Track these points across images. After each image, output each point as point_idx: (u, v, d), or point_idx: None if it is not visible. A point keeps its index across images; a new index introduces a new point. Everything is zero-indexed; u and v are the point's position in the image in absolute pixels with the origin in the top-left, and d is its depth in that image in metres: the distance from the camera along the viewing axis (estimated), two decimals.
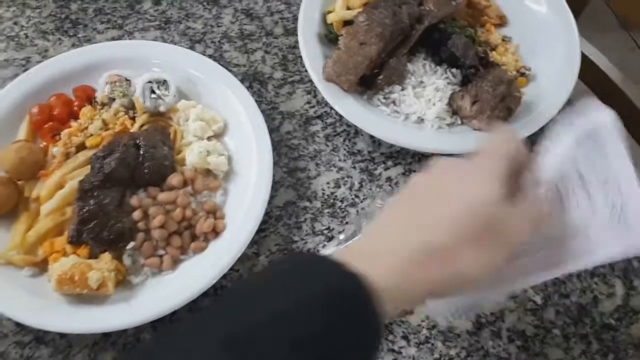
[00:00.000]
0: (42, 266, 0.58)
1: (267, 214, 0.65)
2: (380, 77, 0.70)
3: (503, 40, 0.76)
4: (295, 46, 0.78)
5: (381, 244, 0.39)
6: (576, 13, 0.76)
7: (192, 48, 0.77)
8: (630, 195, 0.41)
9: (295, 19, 0.80)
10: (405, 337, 0.59)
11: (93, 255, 0.57)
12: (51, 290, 0.55)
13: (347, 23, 0.73)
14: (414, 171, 0.70)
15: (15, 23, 0.79)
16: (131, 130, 0.65)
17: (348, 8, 0.75)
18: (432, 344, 0.59)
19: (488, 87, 0.66)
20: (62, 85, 0.69)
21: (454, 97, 0.69)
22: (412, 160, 0.70)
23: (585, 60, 0.75)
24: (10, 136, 0.65)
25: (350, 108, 0.68)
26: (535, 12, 0.78)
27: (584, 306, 0.62)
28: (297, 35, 0.74)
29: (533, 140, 0.70)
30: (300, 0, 0.76)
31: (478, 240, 0.38)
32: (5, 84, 0.70)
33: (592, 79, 0.85)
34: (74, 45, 0.77)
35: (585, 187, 0.43)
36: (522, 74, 0.73)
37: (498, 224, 0.39)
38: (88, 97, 0.68)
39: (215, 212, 0.62)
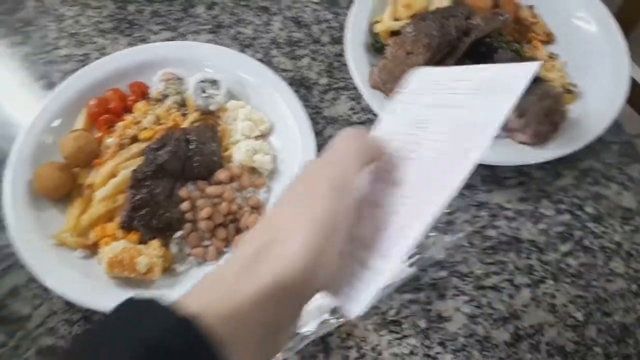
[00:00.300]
0: (93, 249, 0.60)
1: None
2: None
3: (549, 57, 0.77)
4: (340, 54, 0.79)
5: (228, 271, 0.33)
6: (626, 34, 0.76)
7: (242, 52, 0.79)
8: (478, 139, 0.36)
9: (341, 28, 0.82)
10: (441, 344, 0.60)
11: (142, 241, 0.59)
12: (101, 273, 0.57)
13: (394, 34, 0.75)
14: None
15: (77, 21, 0.83)
16: (182, 126, 0.67)
17: (395, 19, 0.77)
18: (469, 352, 0.59)
19: (534, 101, 0.66)
20: (118, 81, 0.71)
21: None
22: None
23: (633, 82, 0.75)
24: (69, 126, 0.68)
25: None
26: (583, 31, 0.78)
27: (628, 326, 0.62)
28: (343, 43, 0.75)
29: (578, 157, 0.71)
30: (347, 10, 0.78)
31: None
32: (65, 77, 0.73)
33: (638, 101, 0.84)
34: (129, 44, 0.80)
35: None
36: (569, 91, 0.73)
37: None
38: (142, 93, 0.71)
39: (258, 208, 0.63)
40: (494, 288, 0.64)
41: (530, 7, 0.80)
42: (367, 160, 0.38)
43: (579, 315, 0.62)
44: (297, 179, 0.37)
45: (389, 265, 0.35)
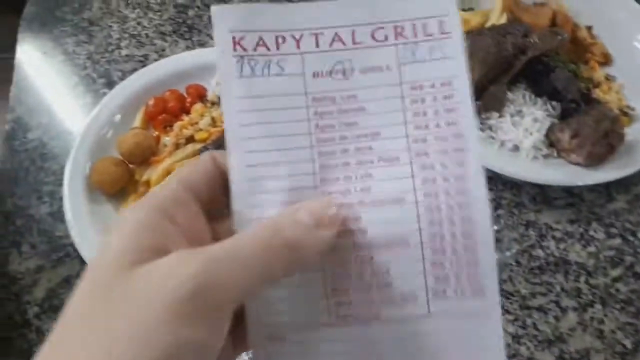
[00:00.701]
0: None
1: None
2: (479, 102, 0.71)
3: (606, 78, 0.76)
4: None
5: None
6: None
7: None
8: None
9: None
10: None
11: None
12: None
13: None
14: (505, 198, 0.70)
15: (139, 23, 0.86)
16: None
17: None
18: None
19: (591, 122, 0.66)
20: (177, 82, 0.74)
21: (553, 129, 0.69)
22: (503, 187, 0.71)
23: None
24: (127, 123, 0.70)
25: None
26: None
27: None
28: None
29: (632, 181, 0.69)
30: None
31: None
32: (125, 76, 0.76)
33: None
34: (187, 48, 0.83)
35: None
36: (625, 114, 0.72)
37: None
38: (199, 95, 0.73)
39: None
40: (540, 309, 0.63)
41: (589, 28, 0.79)
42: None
43: (628, 343, 0.61)
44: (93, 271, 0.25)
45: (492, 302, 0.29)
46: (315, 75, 0.29)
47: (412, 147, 0.29)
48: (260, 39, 0.29)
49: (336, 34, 0.30)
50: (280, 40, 0.29)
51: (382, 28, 0.30)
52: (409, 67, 0.29)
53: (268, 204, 0.28)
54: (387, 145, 0.29)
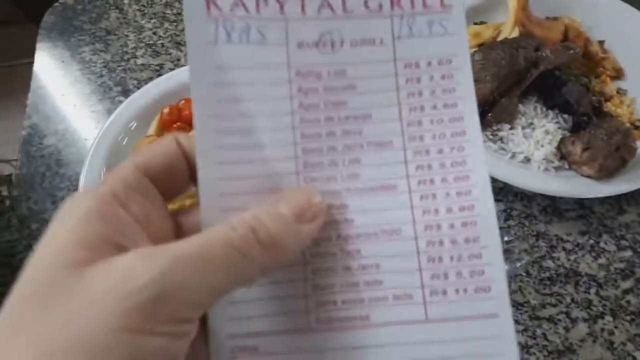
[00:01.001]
0: None
1: None
2: (491, 114, 0.71)
3: (618, 92, 0.76)
4: None
5: None
6: None
7: None
8: None
9: None
10: None
11: None
12: None
13: None
14: (516, 210, 0.70)
15: (154, 33, 0.87)
16: None
17: None
18: None
19: (603, 136, 0.66)
20: None
21: (565, 142, 0.69)
22: (514, 198, 0.71)
23: None
24: (142, 131, 0.71)
25: None
26: None
27: None
28: None
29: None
30: None
31: None
32: (140, 85, 0.77)
33: None
34: None
35: None
36: (637, 127, 0.72)
37: None
38: None
39: None
40: (550, 320, 0.63)
41: (601, 42, 0.80)
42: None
43: (638, 355, 0.61)
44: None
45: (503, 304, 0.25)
46: (300, 45, 0.26)
47: (406, 130, 0.26)
48: None
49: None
50: (261, 1, 0.25)
51: None
52: (404, 41, 0.26)
53: (242, 192, 0.25)
54: (378, 129, 0.26)
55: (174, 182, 0.25)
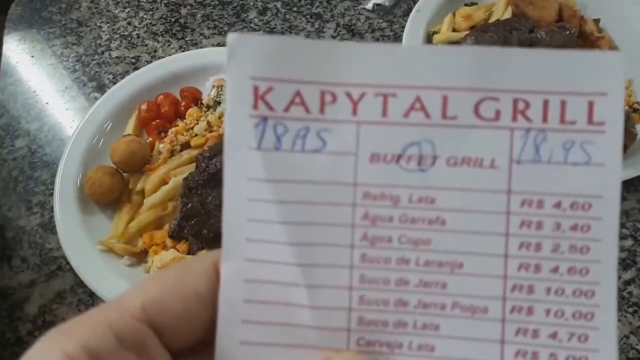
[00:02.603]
0: (140, 257, 0.59)
1: None
2: None
3: None
4: None
5: None
6: None
7: None
8: None
9: (396, 37, 0.80)
10: None
11: (191, 252, 0.58)
12: None
13: (453, 45, 0.72)
14: None
15: (129, 23, 0.83)
16: None
17: (454, 30, 0.75)
18: None
19: None
20: (170, 86, 0.71)
21: None
22: None
23: None
24: (119, 129, 0.67)
25: None
26: None
27: None
28: None
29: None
30: (402, 19, 0.76)
31: None
32: (116, 79, 0.73)
33: None
34: (181, 48, 0.80)
35: None
36: (635, 110, 0.70)
37: None
38: (194, 98, 0.70)
39: None
40: None
41: (596, 21, 0.77)
42: None
43: None
44: None
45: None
46: (374, 158, 0.19)
47: (509, 296, 0.19)
48: (297, 93, 0.19)
49: (417, 97, 0.19)
50: (328, 97, 0.19)
51: (494, 99, 0.19)
52: (526, 167, 0.19)
53: (272, 349, 0.19)
54: (470, 285, 0.19)
55: (190, 333, 0.19)
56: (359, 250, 0.19)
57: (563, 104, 0.19)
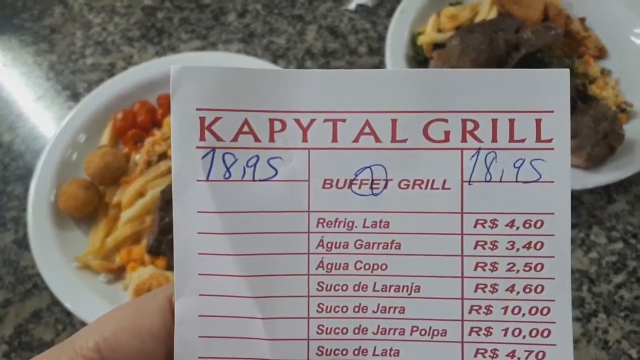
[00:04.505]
0: (118, 273, 0.57)
1: None
2: None
3: (602, 73, 0.72)
4: (378, 66, 0.76)
5: None
6: None
7: (274, 63, 0.76)
8: None
9: (380, 38, 0.78)
10: None
11: (170, 267, 0.56)
12: (126, 298, 0.54)
13: (438, 46, 0.71)
14: None
15: (104, 29, 0.80)
16: None
17: (439, 30, 0.73)
18: None
19: (590, 123, 0.62)
20: (147, 93, 0.68)
21: None
22: None
23: None
24: (94, 141, 0.65)
25: None
26: (638, 46, 0.73)
27: None
28: (381, 55, 0.72)
29: (632, 181, 0.66)
30: (386, 20, 0.75)
31: None
32: (91, 87, 0.71)
33: None
34: (157, 53, 0.77)
35: None
36: (623, 110, 0.69)
37: None
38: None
39: None
40: None
41: (582, 20, 0.75)
42: None
43: (634, 353, 0.58)
44: None
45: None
46: (326, 184, 0.19)
47: (467, 317, 0.19)
48: (246, 122, 0.19)
49: (367, 122, 0.19)
50: (277, 125, 0.19)
51: (443, 120, 0.19)
52: (477, 188, 0.19)
53: None
54: (428, 309, 0.19)
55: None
56: (316, 278, 0.19)
57: (512, 122, 0.19)
